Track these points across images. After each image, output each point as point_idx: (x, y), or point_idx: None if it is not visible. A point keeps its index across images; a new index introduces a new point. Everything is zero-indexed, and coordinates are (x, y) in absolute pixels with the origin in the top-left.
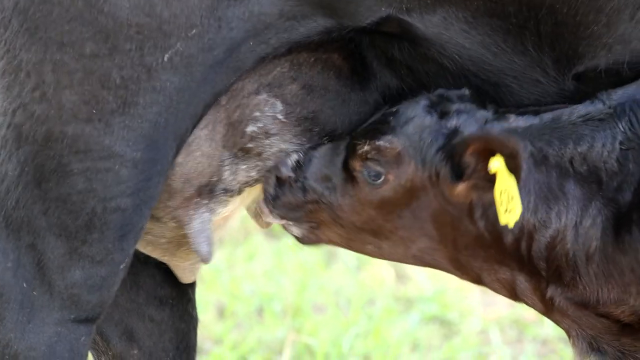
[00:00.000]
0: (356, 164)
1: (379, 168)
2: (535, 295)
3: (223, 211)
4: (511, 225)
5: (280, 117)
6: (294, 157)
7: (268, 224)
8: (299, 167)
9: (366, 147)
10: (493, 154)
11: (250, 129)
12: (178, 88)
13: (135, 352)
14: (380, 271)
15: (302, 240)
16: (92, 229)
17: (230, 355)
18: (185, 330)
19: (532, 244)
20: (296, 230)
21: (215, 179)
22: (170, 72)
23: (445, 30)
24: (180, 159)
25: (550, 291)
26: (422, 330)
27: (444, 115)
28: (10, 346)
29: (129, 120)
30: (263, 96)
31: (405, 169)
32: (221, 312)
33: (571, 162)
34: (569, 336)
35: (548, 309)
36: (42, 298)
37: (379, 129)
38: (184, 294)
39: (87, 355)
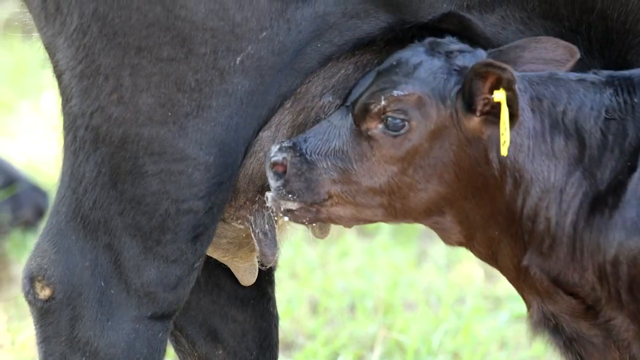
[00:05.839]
0: (372, 124)
1: (402, 116)
2: (512, 261)
3: None
4: (504, 153)
5: None
6: (280, 144)
7: (324, 234)
8: (294, 149)
9: (383, 102)
10: (497, 86)
11: None
12: (248, 91)
13: (220, 352)
14: (469, 270)
15: (300, 220)
16: (165, 230)
17: (323, 351)
18: (267, 329)
19: (526, 198)
20: (300, 213)
21: None
22: (241, 75)
23: (503, 30)
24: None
25: (527, 259)
26: (511, 329)
27: (448, 55)
28: (90, 343)
29: (202, 123)
30: (328, 98)
31: (428, 111)
32: (314, 308)
33: (563, 115)
34: (529, 308)
35: (520, 278)
36: (119, 296)
37: (387, 83)
38: (264, 293)
39: (165, 351)
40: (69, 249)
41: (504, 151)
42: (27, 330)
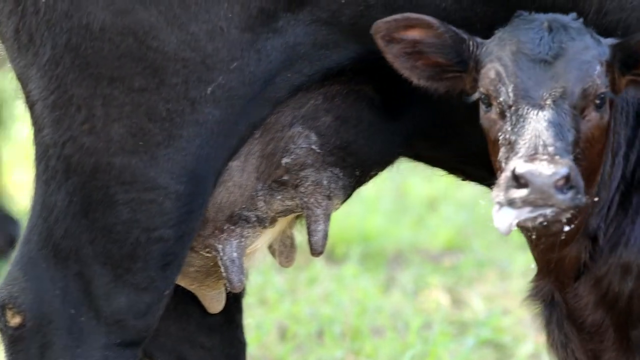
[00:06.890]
0: (590, 107)
1: (606, 90)
2: (577, 229)
3: (255, 242)
4: None
5: (314, 147)
6: (542, 157)
7: (289, 262)
8: (562, 157)
9: (598, 82)
10: None
11: (285, 161)
12: (219, 121)
13: None
14: (436, 296)
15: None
16: (136, 258)
17: None
18: (236, 355)
19: (613, 164)
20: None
21: (248, 208)
22: (212, 105)
23: None
24: None
25: (591, 225)
26: (477, 354)
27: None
28: None
29: (173, 152)
30: (297, 129)
31: (610, 80)
32: (283, 334)
33: None
34: (539, 279)
35: (564, 250)
36: (89, 324)
37: (581, 64)
38: (232, 320)
39: None
40: (39, 277)
41: None
42: None
